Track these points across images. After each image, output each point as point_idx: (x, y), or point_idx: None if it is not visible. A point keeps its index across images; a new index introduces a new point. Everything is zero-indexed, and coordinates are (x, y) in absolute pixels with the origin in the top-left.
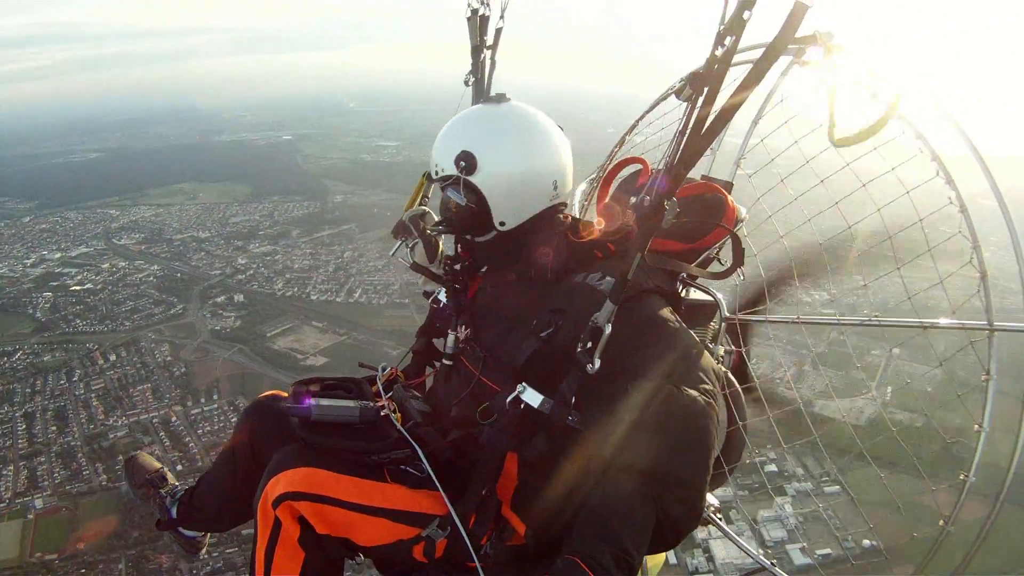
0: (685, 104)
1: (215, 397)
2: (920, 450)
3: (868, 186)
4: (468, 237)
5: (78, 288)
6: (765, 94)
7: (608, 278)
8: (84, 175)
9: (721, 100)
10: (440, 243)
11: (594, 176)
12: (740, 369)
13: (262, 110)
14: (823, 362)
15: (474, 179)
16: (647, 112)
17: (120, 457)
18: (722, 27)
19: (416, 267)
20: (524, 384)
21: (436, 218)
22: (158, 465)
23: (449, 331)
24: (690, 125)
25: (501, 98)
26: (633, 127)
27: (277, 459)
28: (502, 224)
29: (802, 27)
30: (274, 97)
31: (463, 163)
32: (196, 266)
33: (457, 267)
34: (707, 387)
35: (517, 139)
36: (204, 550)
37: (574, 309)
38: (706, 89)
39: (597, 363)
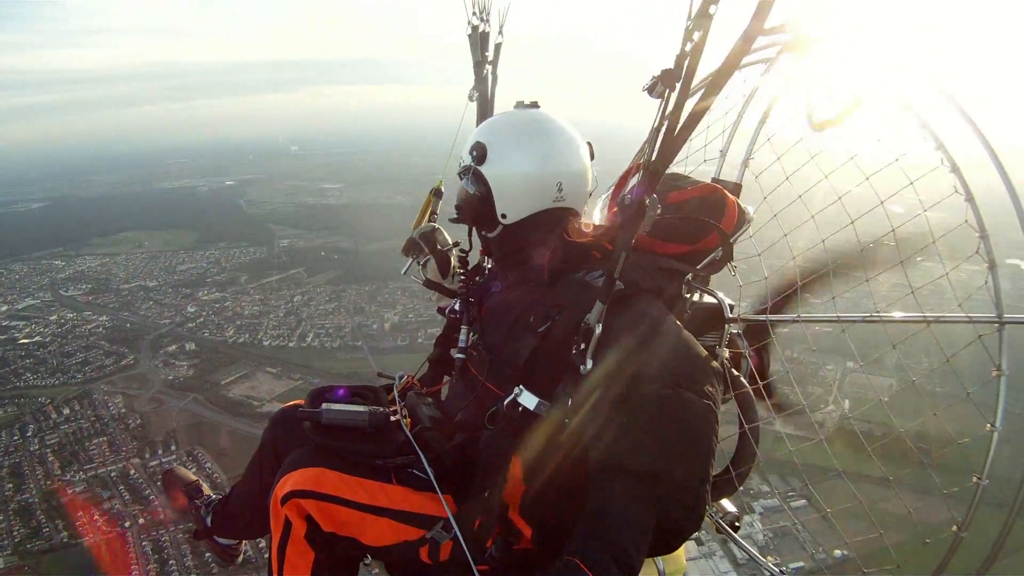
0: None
1: (173, 448)
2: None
3: (873, 180)
4: (482, 233)
5: (26, 341)
6: (772, 95)
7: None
8: (28, 225)
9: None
10: (452, 258)
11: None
12: (760, 370)
13: (203, 156)
14: (780, 381)
15: (483, 169)
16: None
17: (80, 513)
18: (689, 23)
19: (429, 284)
20: (521, 387)
21: (446, 234)
22: (194, 477)
23: (462, 326)
24: (664, 122)
25: (531, 105)
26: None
27: (289, 460)
28: (503, 217)
29: (774, 17)
30: (215, 142)
31: (475, 152)
32: (145, 315)
33: (472, 282)
34: (706, 389)
35: (527, 138)
36: (240, 558)
37: (569, 303)
38: (678, 85)
39: (590, 363)
